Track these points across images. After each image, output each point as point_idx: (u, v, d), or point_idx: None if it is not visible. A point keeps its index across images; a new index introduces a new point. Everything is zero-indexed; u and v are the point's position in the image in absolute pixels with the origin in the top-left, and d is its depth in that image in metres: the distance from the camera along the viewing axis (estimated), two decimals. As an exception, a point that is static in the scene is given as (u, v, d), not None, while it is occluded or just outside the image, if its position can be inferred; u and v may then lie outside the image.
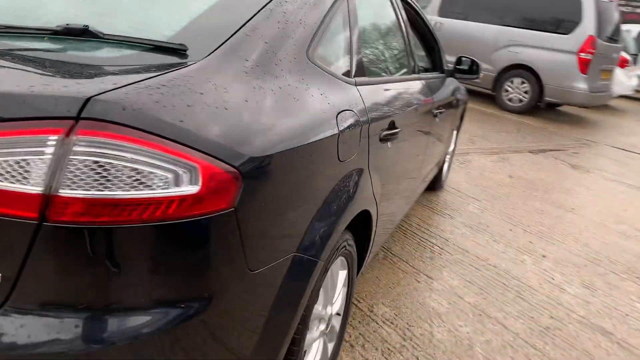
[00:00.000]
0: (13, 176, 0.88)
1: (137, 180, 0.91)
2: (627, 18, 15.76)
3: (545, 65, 8.13)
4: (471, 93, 9.29)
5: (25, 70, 1.01)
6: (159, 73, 1.03)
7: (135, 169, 0.91)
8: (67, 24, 1.15)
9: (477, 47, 8.56)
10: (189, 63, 1.12)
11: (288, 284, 1.30)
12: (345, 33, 1.77)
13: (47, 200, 0.88)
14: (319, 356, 1.74)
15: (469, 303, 2.62)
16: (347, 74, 1.71)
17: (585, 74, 7.94)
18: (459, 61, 3.46)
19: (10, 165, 0.88)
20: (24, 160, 0.88)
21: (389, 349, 2.14)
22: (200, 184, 0.97)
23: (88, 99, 0.89)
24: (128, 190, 0.91)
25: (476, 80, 8.52)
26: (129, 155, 0.90)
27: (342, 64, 1.70)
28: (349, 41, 1.78)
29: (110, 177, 0.90)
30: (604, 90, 8.60)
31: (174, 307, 1.03)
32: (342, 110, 1.50)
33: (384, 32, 2.30)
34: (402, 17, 2.50)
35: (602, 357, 2.34)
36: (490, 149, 5.97)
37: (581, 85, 7.97)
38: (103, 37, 1.15)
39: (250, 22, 1.30)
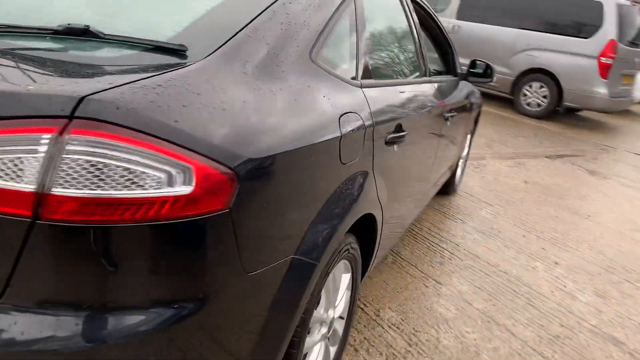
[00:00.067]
0: (7, 174, 0.89)
1: (129, 179, 0.91)
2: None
3: (565, 70, 8.02)
4: (489, 97, 9.21)
5: (24, 69, 1.02)
6: (156, 73, 1.03)
7: (128, 169, 0.91)
8: (69, 24, 1.16)
9: (495, 50, 8.47)
10: (187, 63, 1.12)
11: (286, 287, 1.29)
12: (352, 35, 1.76)
13: (40, 198, 0.89)
14: (320, 359, 1.73)
15: (477, 309, 2.58)
16: (353, 76, 1.70)
17: (605, 79, 7.80)
18: (472, 64, 3.43)
19: (5, 164, 0.88)
20: (17, 158, 0.88)
21: (393, 354, 2.13)
22: (194, 184, 0.97)
23: (82, 98, 0.90)
24: (121, 190, 0.91)
25: (494, 84, 8.49)
26: (121, 155, 0.90)
27: (347, 66, 1.69)
28: (356, 43, 1.77)
29: (103, 177, 0.90)
30: (625, 96, 8.44)
31: (168, 307, 1.03)
32: (345, 113, 1.49)
33: (393, 35, 2.28)
34: (413, 20, 2.48)
35: (613, 368, 2.30)
36: (506, 153, 5.90)
37: (601, 90, 7.84)
38: (103, 37, 1.16)
39: (252, 23, 1.30)
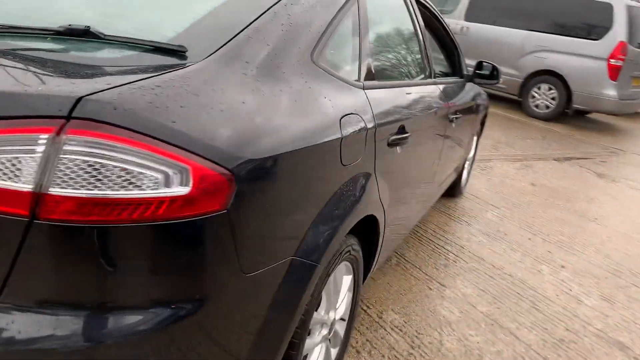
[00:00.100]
0: (5, 174, 0.89)
1: (126, 180, 0.92)
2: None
3: (574, 72, 7.96)
4: (497, 99, 9.17)
5: (24, 70, 1.02)
6: (155, 74, 1.04)
7: (125, 169, 0.91)
8: (70, 25, 1.16)
9: (504, 52, 8.43)
10: (187, 64, 1.12)
11: (285, 288, 1.29)
12: (355, 36, 1.75)
13: (38, 198, 0.89)
14: (320, 361, 1.73)
15: (481, 312, 2.57)
16: (355, 77, 1.70)
17: (615, 81, 7.74)
18: (479, 66, 3.41)
19: (3, 163, 0.89)
20: (15, 158, 0.89)
21: (395, 357, 2.12)
22: (191, 185, 0.97)
23: (79, 99, 0.90)
24: (117, 190, 0.91)
25: (502, 86, 8.45)
26: (118, 155, 0.91)
27: (349, 68, 1.69)
28: (358, 44, 1.76)
29: (100, 177, 0.90)
30: (635, 98, 8.37)
31: (165, 308, 1.04)
32: (347, 114, 1.49)
33: (397, 36, 2.28)
34: (417, 21, 2.47)
35: (618, 373, 2.28)
36: (513, 155, 5.87)
37: (611, 92, 7.78)
38: (104, 38, 1.17)
39: (253, 24, 1.30)
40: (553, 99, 8.23)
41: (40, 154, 0.88)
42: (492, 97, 9.20)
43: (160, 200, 0.95)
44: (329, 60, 1.54)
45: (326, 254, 1.41)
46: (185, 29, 1.28)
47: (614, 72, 7.70)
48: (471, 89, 3.44)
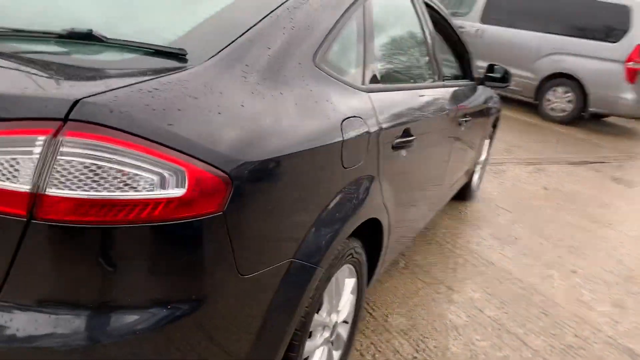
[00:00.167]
0: (4, 174, 0.91)
1: (122, 181, 0.93)
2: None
3: (590, 74, 7.87)
4: (512, 102, 9.09)
5: (25, 72, 1.04)
6: (154, 77, 1.05)
7: (121, 171, 0.93)
8: (72, 28, 1.18)
9: (519, 54, 8.36)
10: (187, 67, 1.14)
11: (284, 290, 1.29)
12: (359, 40, 1.76)
13: (35, 198, 0.91)
14: (322, 363, 1.73)
15: (488, 317, 2.55)
16: (359, 80, 1.70)
17: (632, 84, 7.63)
18: (490, 69, 3.39)
19: (1, 164, 0.91)
20: (13, 159, 0.91)
21: (400, 360, 2.11)
22: (186, 187, 0.98)
23: (77, 101, 0.91)
24: (113, 191, 0.93)
25: (517, 89, 8.37)
26: (114, 157, 0.92)
27: (353, 71, 1.69)
28: (363, 48, 1.76)
29: (96, 178, 0.92)
30: (653, 101, 8.25)
31: (162, 308, 1.05)
32: (348, 117, 1.49)
33: (403, 39, 2.27)
34: (426, 24, 2.46)
35: (627, 380, 2.25)
36: (527, 159, 5.82)
37: (628, 95, 7.67)
38: (106, 41, 1.18)
39: (254, 28, 1.31)
40: (569, 102, 8.14)
41: (37, 155, 0.90)
42: (507, 100, 9.13)
43: (156, 202, 0.96)
44: (331, 64, 1.54)
45: (326, 256, 1.42)
46: (186, 32, 1.30)
47: (631, 75, 7.60)
48: (482, 92, 3.42)
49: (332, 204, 1.43)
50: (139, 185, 0.94)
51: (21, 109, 0.92)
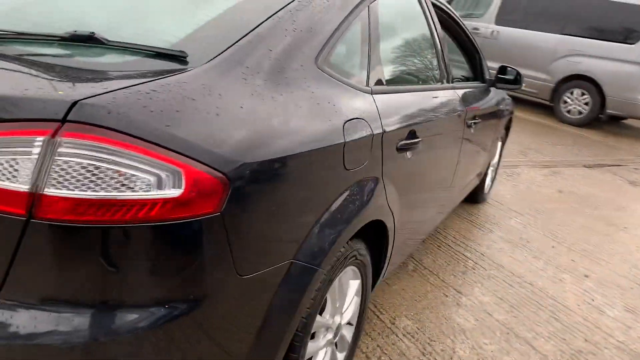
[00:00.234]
0: (4, 174, 0.93)
1: (119, 181, 0.94)
2: None
3: (608, 76, 7.76)
4: (528, 104, 9.01)
5: (26, 74, 1.06)
6: (153, 79, 1.06)
7: (118, 171, 0.94)
8: (75, 31, 1.20)
9: (535, 56, 8.28)
10: (187, 69, 1.15)
11: (284, 290, 1.30)
12: (364, 41, 1.76)
13: (34, 198, 0.92)
14: (326, 365, 1.73)
15: (497, 321, 2.53)
16: (363, 82, 1.70)
17: (651, 86, 7.52)
18: (502, 70, 3.36)
19: (1, 164, 0.93)
20: (13, 159, 0.93)
21: (406, 363, 2.10)
22: (183, 187, 0.99)
23: (75, 103, 0.93)
24: (111, 191, 0.94)
25: (533, 91, 8.29)
26: (111, 157, 0.93)
27: (357, 73, 1.69)
28: (368, 50, 1.76)
29: (94, 178, 0.93)
30: (673, 104, 8.11)
31: (160, 307, 1.06)
32: (351, 119, 1.49)
33: (411, 41, 2.27)
34: (434, 26, 2.45)
35: (638, 387, 2.21)
36: (542, 162, 5.76)
37: (646, 97, 7.56)
38: (108, 44, 1.20)
39: (255, 30, 1.32)
40: (586, 104, 8.05)
41: (36, 156, 0.92)
42: (523, 102, 9.06)
43: (153, 202, 0.97)
44: (335, 66, 1.54)
45: (328, 258, 1.42)
46: (187, 34, 1.31)
47: (650, 77, 7.48)
48: (494, 94, 3.39)
49: (333, 206, 1.44)
50: (136, 185, 0.95)
51: (21, 110, 0.94)
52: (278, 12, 1.41)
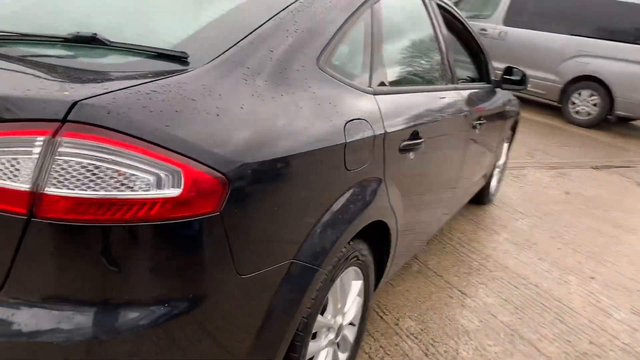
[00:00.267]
0: (5, 174, 0.94)
1: (119, 181, 0.95)
2: None
3: (617, 77, 7.71)
4: (536, 105, 8.97)
5: (28, 75, 1.08)
6: (153, 79, 1.07)
7: (117, 171, 0.95)
8: (77, 32, 1.21)
9: (543, 57, 8.24)
10: (187, 70, 1.16)
11: (284, 290, 1.30)
12: (367, 42, 1.76)
13: (35, 197, 0.93)
14: (327, 365, 1.73)
15: (501, 322, 2.52)
16: (365, 83, 1.70)
17: (661, 87, 7.46)
18: (508, 71, 3.35)
19: (3, 163, 0.94)
20: (14, 158, 0.94)
21: (408, 364, 2.10)
22: (182, 187, 1.00)
23: (75, 103, 0.94)
24: (110, 191, 0.95)
25: (541, 91, 8.25)
26: (111, 157, 0.94)
27: (360, 73, 1.69)
28: (370, 51, 1.77)
29: (94, 178, 0.94)
30: (683, 105, 8.04)
31: (161, 305, 1.06)
32: (352, 120, 1.50)
33: (414, 42, 2.27)
34: (438, 27, 2.45)
35: (643, 390, 2.19)
36: (549, 163, 5.73)
37: (656, 98, 7.50)
38: (109, 45, 1.21)
39: (257, 31, 1.33)
40: (594, 105, 7.99)
41: (37, 155, 0.93)
42: (531, 103, 9.01)
43: (152, 202, 0.98)
44: (337, 66, 1.55)
45: (329, 258, 1.42)
46: (189, 35, 1.32)
47: (659, 78, 7.42)
48: (500, 94, 3.38)
49: (335, 206, 1.44)
50: (135, 185, 0.96)
51: (22, 110, 0.95)
52: (279, 13, 1.41)
